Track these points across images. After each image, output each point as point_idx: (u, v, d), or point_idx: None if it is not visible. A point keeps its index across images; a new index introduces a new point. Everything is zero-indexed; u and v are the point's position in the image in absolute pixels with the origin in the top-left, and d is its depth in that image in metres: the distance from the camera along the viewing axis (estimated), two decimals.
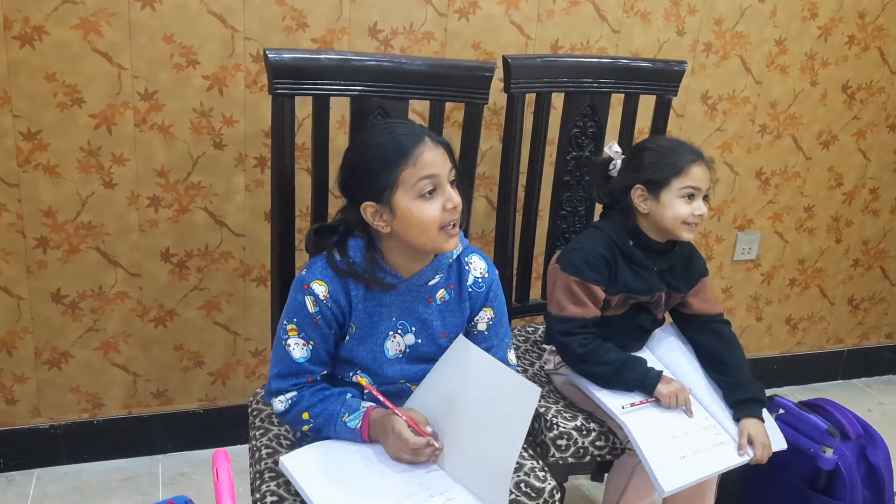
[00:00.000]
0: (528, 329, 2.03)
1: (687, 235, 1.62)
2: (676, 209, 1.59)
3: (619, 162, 1.69)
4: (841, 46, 2.44)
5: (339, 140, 1.92)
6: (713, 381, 1.68)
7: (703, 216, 1.60)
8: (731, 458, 1.55)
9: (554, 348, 1.72)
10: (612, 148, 1.71)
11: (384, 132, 1.31)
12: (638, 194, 1.62)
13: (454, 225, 1.30)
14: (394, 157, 1.27)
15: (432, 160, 1.27)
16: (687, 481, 1.48)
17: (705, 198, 1.61)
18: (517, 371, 1.51)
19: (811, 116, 2.50)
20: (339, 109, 1.91)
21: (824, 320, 2.82)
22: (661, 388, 1.58)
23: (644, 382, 1.59)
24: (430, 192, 1.27)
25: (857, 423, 1.83)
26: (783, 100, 2.44)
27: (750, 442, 1.57)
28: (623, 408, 1.56)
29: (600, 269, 1.62)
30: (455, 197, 1.29)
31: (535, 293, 2.01)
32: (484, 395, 1.30)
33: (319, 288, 1.33)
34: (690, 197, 1.59)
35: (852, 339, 2.90)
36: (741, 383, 1.63)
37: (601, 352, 1.60)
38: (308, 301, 1.33)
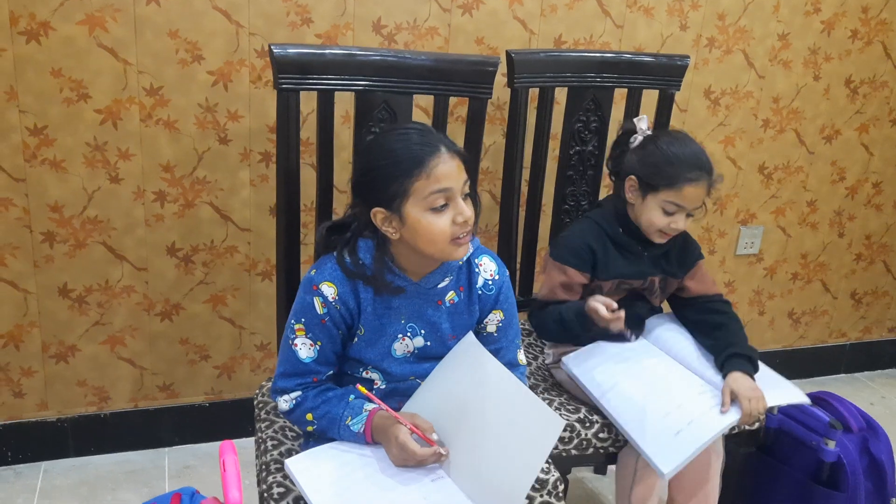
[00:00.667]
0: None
1: (658, 240, 1.64)
2: (654, 217, 1.60)
3: (640, 138, 1.66)
4: (844, 41, 2.45)
5: (343, 135, 1.93)
6: (707, 351, 1.67)
7: (679, 230, 1.60)
8: (727, 418, 1.53)
9: (554, 343, 1.75)
10: (641, 122, 1.67)
11: (400, 139, 1.27)
12: (630, 184, 1.63)
13: (466, 234, 1.28)
14: (407, 166, 1.24)
15: (447, 173, 1.25)
16: (684, 457, 1.48)
17: (691, 213, 1.60)
18: (527, 368, 1.51)
19: (814, 111, 2.50)
20: (344, 104, 1.92)
21: (827, 314, 2.83)
22: (595, 313, 1.53)
23: (581, 324, 1.57)
24: (442, 206, 1.25)
25: (859, 415, 1.84)
26: (786, 94, 2.45)
27: (735, 399, 1.54)
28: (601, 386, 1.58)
29: (582, 256, 1.64)
30: (466, 211, 1.26)
31: (538, 288, 2.02)
32: (502, 415, 1.28)
33: (329, 289, 1.32)
34: (673, 212, 1.59)
35: (855, 334, 2.91)
36: (733, 342, 1.63)
37: (549, 318, 1.64)
38: (317, 302, 1.32)
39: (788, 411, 1.87)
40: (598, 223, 1.67)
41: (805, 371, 2.85)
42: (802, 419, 1.83)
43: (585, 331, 1.58)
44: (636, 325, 1.75)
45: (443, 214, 1.26)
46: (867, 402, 2.72)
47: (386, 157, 1.27)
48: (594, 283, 1.67)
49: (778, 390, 1.62)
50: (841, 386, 2.82)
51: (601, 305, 1.50)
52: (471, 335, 1.37)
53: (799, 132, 2.52)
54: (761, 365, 1.68)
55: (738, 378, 1.56)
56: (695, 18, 2.25)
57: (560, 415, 1.61)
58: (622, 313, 1.50)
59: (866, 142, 2.61)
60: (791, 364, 2.81)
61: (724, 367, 1.60)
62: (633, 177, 1.62)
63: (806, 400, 1.64)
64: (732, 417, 1.53)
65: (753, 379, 1.58)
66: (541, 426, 1.22)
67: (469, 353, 1.36)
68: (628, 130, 1.69)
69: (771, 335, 2.77)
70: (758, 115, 2.44)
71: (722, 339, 1.65)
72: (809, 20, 2.38)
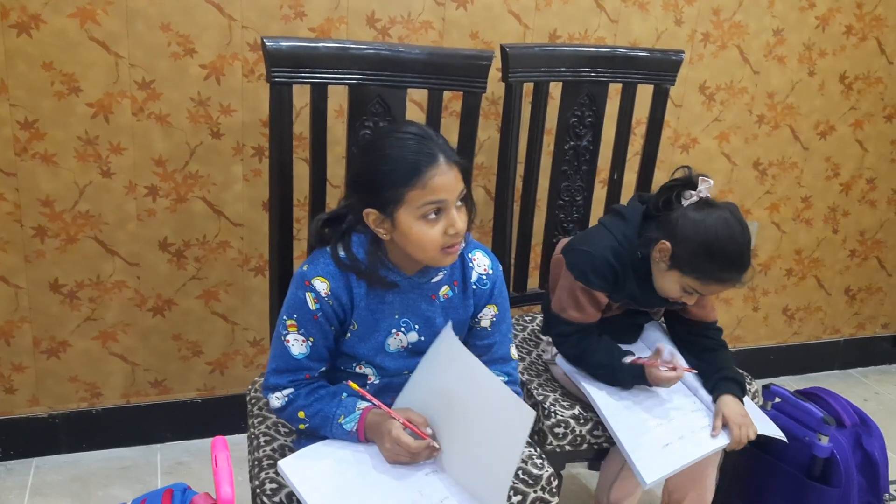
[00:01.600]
0: (526, 318, 2.04)
1: (662, 296, 1.61)
2: (670, 289, 1.56)
3: (696, 199, 1.51)
4: (839, 36, 2.44)
5: (337, 129, 1.92)
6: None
7: (688, 304, 1.60)
8: (716, 441, 1.54)
9: (551, 339, 1.74)
10: (704, 183, 1.52)
11: (398, 146, 1.25)
12: (661, 247, 1.52)
13: (456, 244, 1.28)
14: (403, 175, 1.23)
15: (443, 185, 1.24)
16: (669, 470, 1.49)
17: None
18: (519, 363, 1.50)
19: (809, 107, 2.50)
20: (337, 98, 1.91)
21: (821, 310, 2.83)
22: (655, 379, 1.57)
23: (634, 381, 1.60)
24: (436, 213, 1.25)
25: (852, 411, 1.84)
26: (781, 90, 2.44)
27: (726, 424, 1.55)
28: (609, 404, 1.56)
29: (606, 277, 1.59)
30: (458, 223, 1.26)
31: (532, 283, 2.02)
32: (480, 408, 1.27)
33: (321, 285, 1.31)
34: (690, 292, 1.55)
35: (849, 329, 2.91)
36: (722, 367, 1.63)
37: (589, 353, 1.62)
38: (309, 298, 1.31)
39: (782, 407, 1.87)
40: (619, 241, 1.59)
41: (799, 367, 2.86)
42: (796, 415, 1.83)
43: (629, 384, 1.61)
44: (634, 332, 1.74)
45: (435, 224, 1.25)
46: (861, 398, 2.72)
47: (382, 162, 1.25)
48: None
49: (761, 423, 1.61)
50: (834, 382, 2.82)
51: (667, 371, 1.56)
52: (448, 328, 1.35)
53: (793, 128, 2.51)
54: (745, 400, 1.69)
55: (729, 403, 1.56)
56: (690, 13, 2.24)
57: (555, 411, 1.62)
58: (681, 373, 1.58)
59: (860, 138, 2.62)
60: (785, 360, 2.82)
61: (714, 390, 1.60)
62: (667, 244, 1.51)
63: (783, 438, 1.64)
64: (722, 442, 1.54)
65: (742, 403, 1.59)
66: (514, 418, 1.22)
67: (447, 347, 1.34)
68: (687, 181, 1.53)
69: (765, 331, 2.77)
70: (752, 110, 2.44)
71: (711, 361, 1.65)
72: (804, 16, 2.38)
